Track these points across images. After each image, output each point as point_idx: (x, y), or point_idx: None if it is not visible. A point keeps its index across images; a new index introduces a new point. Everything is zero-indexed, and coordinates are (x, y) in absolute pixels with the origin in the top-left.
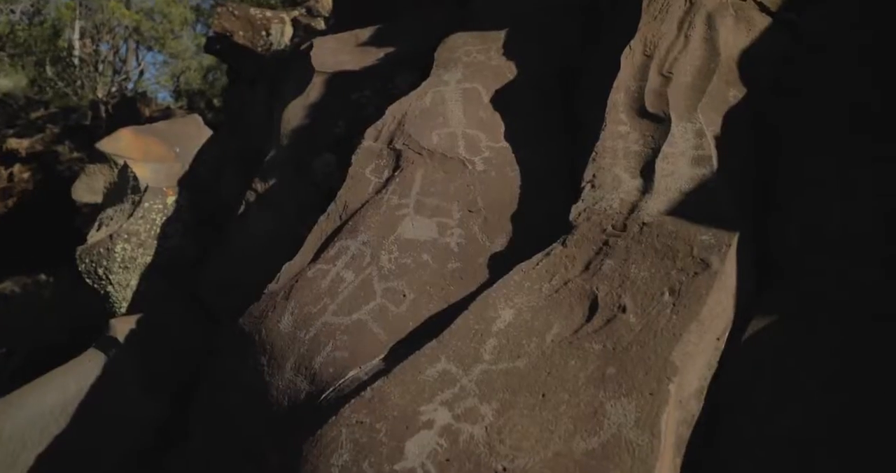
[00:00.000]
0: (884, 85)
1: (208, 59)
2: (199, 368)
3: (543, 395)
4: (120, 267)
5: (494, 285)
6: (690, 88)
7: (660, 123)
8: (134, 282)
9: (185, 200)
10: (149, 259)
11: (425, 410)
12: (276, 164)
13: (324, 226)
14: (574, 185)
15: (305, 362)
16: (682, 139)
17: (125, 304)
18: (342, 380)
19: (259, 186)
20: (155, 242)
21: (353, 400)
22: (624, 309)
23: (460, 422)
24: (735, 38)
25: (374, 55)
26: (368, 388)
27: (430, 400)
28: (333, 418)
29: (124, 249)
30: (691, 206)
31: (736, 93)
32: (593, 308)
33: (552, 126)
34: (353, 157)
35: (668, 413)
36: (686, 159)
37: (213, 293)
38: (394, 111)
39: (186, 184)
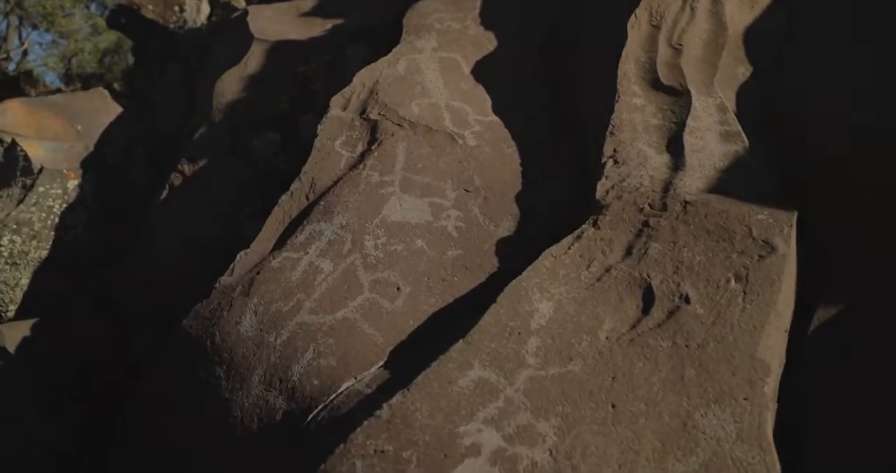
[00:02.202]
0: (880, 61)
1: (105, 42)
2: (117, 384)
3: (613, 406)
4: (7, 263)
5: (524, 273)
6: (703, 62)
7: (678, 96)
8: (25, 281)
9: (90, 185)
10: (44, 253)
11: (466, 431)
12: (207, 143)
13: (286, 206)
14: (580, 162)
15: (279, 373)
16: (705, 113)
17: (13, 307)
18: (334, 395)
19: (186, 168)
20: (52, 234)
21: (364, 423)
22: (687, 300)
23: (515, 446)
24: (740, 13)
25: (319, 26)
26: (384, 406)
27: (469, 418)
28: (341, 447)
29: (13, 242)
30: (734, 184)
31: (744, 71)
32: (648, 298)
33: (539, 100)
34: (319, 128)
35: (770, 421)
36: (714, 134)
37: (130, 292)
38: (363, 77)
39: (90, 166)
